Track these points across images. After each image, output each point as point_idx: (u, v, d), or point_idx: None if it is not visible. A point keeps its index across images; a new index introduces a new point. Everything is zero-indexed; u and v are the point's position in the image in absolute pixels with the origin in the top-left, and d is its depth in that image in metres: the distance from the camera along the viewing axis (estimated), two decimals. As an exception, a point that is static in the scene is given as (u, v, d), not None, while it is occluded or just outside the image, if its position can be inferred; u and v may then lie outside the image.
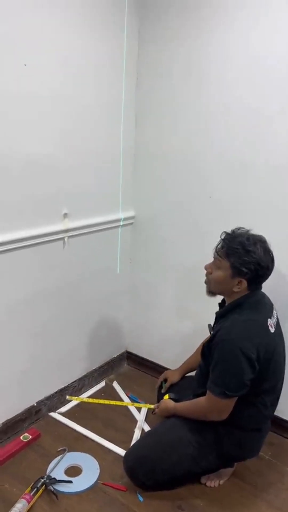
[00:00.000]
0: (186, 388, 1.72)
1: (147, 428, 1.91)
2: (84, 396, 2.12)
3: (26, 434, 1.79)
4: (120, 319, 2.34)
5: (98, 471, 1.65)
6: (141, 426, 1.91)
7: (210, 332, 1.59)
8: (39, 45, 1.53)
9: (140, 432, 1.88)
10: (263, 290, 1.55)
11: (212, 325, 1.62)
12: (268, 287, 1.54)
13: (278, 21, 1.58)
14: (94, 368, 2.22)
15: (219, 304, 1.62)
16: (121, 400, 2.10)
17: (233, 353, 1.38)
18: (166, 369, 2.23)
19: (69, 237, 1.84)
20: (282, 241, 1.70)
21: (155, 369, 2.30)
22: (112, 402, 2.02)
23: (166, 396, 1.70)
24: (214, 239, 1.50)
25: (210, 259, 1.52)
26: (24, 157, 1.58)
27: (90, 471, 1.65)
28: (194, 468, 1.54)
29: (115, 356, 2.36)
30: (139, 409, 2.02)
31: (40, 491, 1.53)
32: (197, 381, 1.62)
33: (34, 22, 1.50)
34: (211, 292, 1.56)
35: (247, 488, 1.63)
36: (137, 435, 1.86)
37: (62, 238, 1.82)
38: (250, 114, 1.71)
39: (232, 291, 1.47)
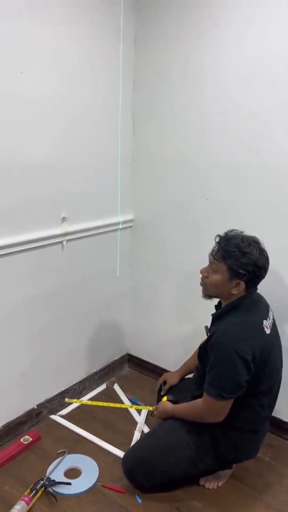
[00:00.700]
0: (185, 390, 1.73)
1: (147, 430, 1.92)
2: (85, 399, 2.13)
3: (26, 436, 1.81)
4: (120, 322, 2.36)
5: (98, 473, 1.66)
6: (141, 428, 1.92)
7: (207, 334, 1.60)
8: (36, 48, 1.56)
9: (140, 434, 1.89)
10: (260, 291, 1.56)
11: (208, 327, 1.63)
12: (265, 288, 1.55)
13: (275, 21, 1.58)
14: (95, 370, 2.24)
15: (216, 306, 1.62)
16: (121, 402, 2.11)
17: (228, 355, 1.38)
18: (167, 371, 2.24)
19: (67, 240, 1.86)
20: (279, 242, 1.72)
21: (156, 371, 2.30)
22: (111, 404, 2.03)
23: (165, 398, 1.71)
24: (214, 241, 1.51)
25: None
26: (21, 161, 1.60)
27: (89, 473, 1.66)
28: (192, 470, 1.54)
29: (116, 358, 2.37)
30: (139, 411, 2.03)
31: (39, 493, 1.54)
32: (195, 383, 1.62)
33: (30, 25, 1.52)
34: (208, 296, 1.56)
35: (246, 489, 1.63)
36: (136, 437, 1.86)
37: (61, 242, 1.84)
38: (248, 116, 1.72)
39: (230, 294, 1.48)
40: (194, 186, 1.95)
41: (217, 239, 1.49)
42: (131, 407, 2.05)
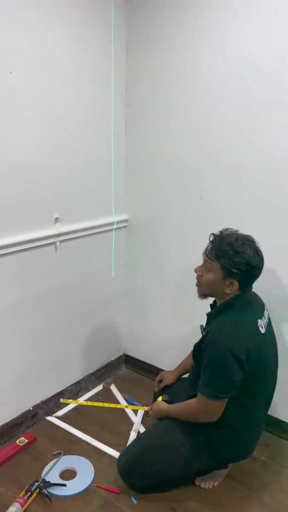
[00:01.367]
0: (180, 390, 1.72)
1: (143, 430, 1.91)
2: (81, 400, 2.13)
3: (22, 438, 1.81)
4: (117, 322, 2.35)
5: (93, 474, 1.66)
6: (137, 428, 1.91)
7: (202, 333, 1.59)
8: (26, 49, 1.56)
9: (136, 434, 1.88)
10: (256, 290, 1.56)
11: (204, 326, 1.62)
12: (262, 287, 1.55)
13: (272, 19, 1.57)
14: (91, 371, 2.23)
15: (211, 305, 1.62)
16: (118, 403, 2.10)
17: (222, 354, 1.37)
18: (164, 371, 2.24)
19: (61, 241, 1.86)
20: (275, 240, 1.71)
21: (153, 371, 2.28)
22: (106, 405, 2.02)
23: (160, 398, 1.70)
24: (208, 240, 1.50)
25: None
26: (11, 161, 1.60)
27: (84, 474, 1.65)
28: (187, 470, 1.54)
29: (113, 359, 2.37)
30: (135, 412, 2.03)
31: (34, 494, 1.54)
32: (191, 383, 1.62)
33: (21, 26, 1.52)
34: (203, 295, 1.56)
35: (242, 489, 1.62)
36: (133, 437, 1.86)
37: (54, 243, 1.83)
38: (242, 115, 1.71)
39: (224, 293, 1.47)
40: (188, 185, 1.95)
41: (211, 238, 1.49)
42: (126, 407, 2.04)
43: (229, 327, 1.42)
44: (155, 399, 1.85)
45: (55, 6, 1.62)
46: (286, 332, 1.80)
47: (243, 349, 1.37)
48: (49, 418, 1.98)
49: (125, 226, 2.21)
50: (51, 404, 2.01)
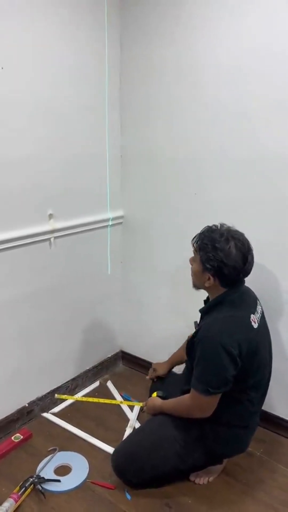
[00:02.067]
0: (175, 386, 1.72)
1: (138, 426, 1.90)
2: (77, 396, 2.13)
3: (17, 434, 1.81)
4: (114, 319, 2.35)
5: (88, 470, 1.66)
6: (133, 424, 1.91)
7: (196, 329, 1.59)
8: (18, 44, 1.55)
9: (132, 430, 1.87)
10: (253, 285, 1.56)
11: (198, 322, 1.62)
12: (254, 282, 1.54)
13: (270, 14, 1.56)
14: (88, 368, 2.23)
15: (204, 301, 1.61)
16: (114, 399, 2.10)
17: (214, 349, 1.37)
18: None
19: (55, 237, 1.85)
20: (269, 237, 1.71)
21: (150, 368, 2.29)
22: (101, 400, 2.03)
23: (154, 394, 1.70)
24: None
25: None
26: (4, 157, 1.59)
27: (79, 470, 1.65)
28: (181, 465, 1.53)
29: (110, 356, 2.37)
30: (131, 408, 2.02)
31: (29, 490, 1.54)
32: (185, 378, 1.62)
33: (13, 22, 1.52)
34: (193, 285, 1.57)
35: (237, 485, 1.62)
36: (128, 433, 1.85)
37: (48, 239, 1.83)
38: (239, 111, 1.70)
39: (204, 286, 1.48)
40: (183, 182, 1.94)
41: (202, 229, 1.49)
42: (121, 402, 2.04)
43: (221, 323, 1.42)
44: (150, 396, 1.85)
45: (47, 3, 1.61)
46: (281, 328, 1.79)
47: (235, 344, 1.36)
48: (44, 414, 1.98)
49: (121, 223, 2.20)
50: (47, 400, 2.00)
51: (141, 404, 1.95)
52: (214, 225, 1.49)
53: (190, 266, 1.53)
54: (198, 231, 1.52)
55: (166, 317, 2.19)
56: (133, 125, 2.05)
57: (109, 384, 2.23)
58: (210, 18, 1.69)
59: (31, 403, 1.93)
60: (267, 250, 1.72)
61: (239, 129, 1.71)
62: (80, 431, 1.87)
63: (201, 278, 1.47)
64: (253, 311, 1.48)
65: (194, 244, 1.48)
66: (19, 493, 1.50)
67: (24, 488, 1.53)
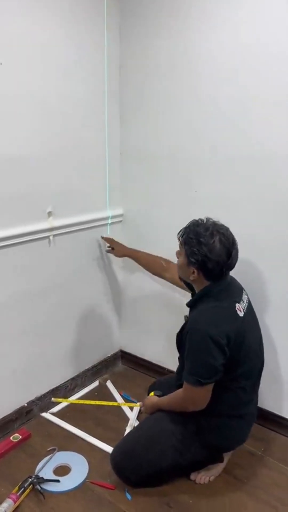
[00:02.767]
0: (171, 384, 1.70)
1: (138, 426, 1.89)
2: (77, 396, 2.11)
3: (16, 434, 1.79)
4: (113, 318, 2.33)
5: (87, 470, 1.64)
6: (133, 424, 1.89)
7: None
8: (16, 38, 1.54)
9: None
10: (245, 280, 1.56)
11: (187, 315, 1.61)
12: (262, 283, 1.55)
13: (270, 8, 1.55)
14: (87, 367, 2.21)
15: (192, 294, 1.62)
16: (113, 399, 2.08)
17: (202, 340, 1.38)
18: (161, 367, 2.24)
19: (54, 235, 1.84)
20: (273, 236, 1.71)
21: (150, 367, 2.28)
22: (98, 402, 2.00)
23: (151, 394, 1.69)
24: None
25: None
26: (2, 154, 1.58)
27: (78, 470, 1.64)
28: (179, 460, 1.52)
29: (109, 355, 2.35)
30: (131, 408, 2.01)
31: (27, 490, 1.52)
32: (177, 373, 1.62)
33: (10, 15, 1.51)
34: (179, 278, 1.60)
35: (238, 484, 1.60)
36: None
37: (48, 237, 1.82)
38: (238, 109, 1.69)
39: (189, 280, 1.49)
40: (184, 179, 1.93)
41: (188, 224, 1.49)
42: (118, 404, 2.01)
43: (207, 314, 1.43)
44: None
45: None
46: (269, 320, 1.78)
47: (222, 334, 1.37)
48: (43, 414, 1.96)
49: (120, 221, 2.19)
50: (46, 400, 1.99)
51: (138, 404, 1.94)
52: (200, 219, 1.49)
53: (177, 257, 1.54)
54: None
55: (166, 315, 2.17)
56: (133, 121, 2.03)
57: (109, 384, 2.22)
58: (210, 8, 1.68)
59: (30, 403, 1.92)
60: (269, 250, 1.73)
61: (242, 125, 1.70)
62: (79, 430, 1.86)
63: (186, 272, 1.48)
64: (238, 300, 1.48)
65: (180, 238, 1.49)
66: (18, 494, 1.49)
67: (23, 489, 1.51)
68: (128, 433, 1.72)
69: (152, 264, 1.96)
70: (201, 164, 1.85)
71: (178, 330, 2.08)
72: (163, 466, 1.52)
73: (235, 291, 1.52)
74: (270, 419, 1.86)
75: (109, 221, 2.11)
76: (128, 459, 1.53)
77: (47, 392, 2.00)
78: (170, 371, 2.16)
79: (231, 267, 1.47)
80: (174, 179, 1.96)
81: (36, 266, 1.81)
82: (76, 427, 1.88)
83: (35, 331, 1.87)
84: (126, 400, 2.07)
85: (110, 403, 2.03)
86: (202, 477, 1.60)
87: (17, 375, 1.84)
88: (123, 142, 2.09)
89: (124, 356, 2.42)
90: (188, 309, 1.60)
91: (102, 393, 2.16)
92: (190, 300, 1.58)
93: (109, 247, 2.06)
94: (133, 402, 2.05)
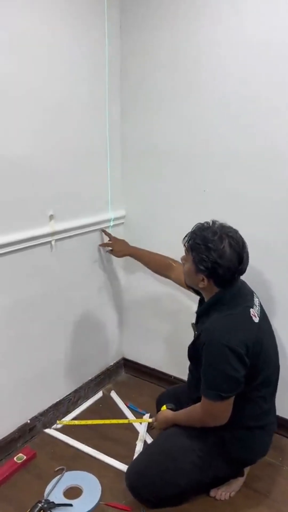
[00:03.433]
0: (182, 396, 1.63)
1: (149, 440, 1.79)
2: (81, 410, 2.00)
3: (20, 454, 1.67)
4: (115, 326, 2.23)
5: (100, 490, 1.54)
6: (143, 438, 1.80)
7: (194, 332, 1.51)
8: (13, 35, 1.43)
9: (143, 444, 1.76)
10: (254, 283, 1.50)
11: (195, 323, 1.53)
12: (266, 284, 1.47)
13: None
14: (90, 378, 2.10)
15: (199, 301, 1.55)
16: (120, 411, 1.98)
17: (220, 352, 1.29)
18: (165, 374, 2.15)
19: (56, 240, 1.73)
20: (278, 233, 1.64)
21: (154, 375, 2.20)
22: (108, 422, 1.88)
23: (164, 407, 1.60)
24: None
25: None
26: (2, 156, 1.47)
27: (91, 492, 1.53)
28: (200, 478, 1.43)
29: (112, 364, 2.25)
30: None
31: (38, 517, 1.41)
32: (189, 386, 1.54)
33: (7, 10, 1.39)
34: (187, 285, 1.51)
35: (260, 498, 1.53)
36: (139, 448, 1.74)
37: (49, 242, 1.71)
38: (244, 103, 1.62)
39: (198, 287, 1.41)
40: (189, 177, 1.84)
41: (193, 228, 1.40)
42: (128, 422, 1.89)
43: (223, 323, 1.34)
44: (158, 409, 1.73)
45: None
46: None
47: (241, 344, 1.29)
48: (47, 430, 1.84)
49: (123, 223, 2.09)
50: (50, 415, 1.87)
51: (149, 420, 1.83)
52: (206, 222, 1.40)
53: (183, 264, 1.45)
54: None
55: (170, 321, 2.09)
56: (134, 119, 1.93)
57: (113, 394, 2.12)
58: (216, 2, 1.60)
59: (33, 419, 1.80)
60: (277, 250, 1.67)
61: (253, 120, 1.63)
62: (86, 447, 1.75)
63: (194, 279, 1.40)
64: (251, 305, 1.41)
65: (186, 244, 1.40)
66: (28, 522, 1.38)
67: (33, 516, 1.40)
68: (142, 451, 1.63)
69: (156, 262, 1.86)
70: (211, 161, 1.76)
71: (182, 335, 2.01)
72: (181, 484, 1.43)
73: (247, 295, 1.44)
74: (286, 427, 1.79)
75: (111, 223, 2.01)
76: (143, 479, 1.43)
77: (50, 407, 1.88)
78: (177, 379, 2.08)
79: (243, 272, 1.39)
80: (179, 178, 1.87)
81: (37, 273, 1.69)
82: (83, 443, 1.77)
83: (35, 342, 1.75)
84: (134, 411, 1.97)
85: (121, 421, 1.90)
86: (222, 493, 1.52)
87: (18, 390, 1.72)
88: (125, 141, 1.99)
89: (127, 364, 2.32)
90: (194, 316, 1.52)
91: (106, 404, 2.06)
92: (200, 308, 1.50)
93: (107, 246, 1.95)
94: (141, 414, 1.95)
